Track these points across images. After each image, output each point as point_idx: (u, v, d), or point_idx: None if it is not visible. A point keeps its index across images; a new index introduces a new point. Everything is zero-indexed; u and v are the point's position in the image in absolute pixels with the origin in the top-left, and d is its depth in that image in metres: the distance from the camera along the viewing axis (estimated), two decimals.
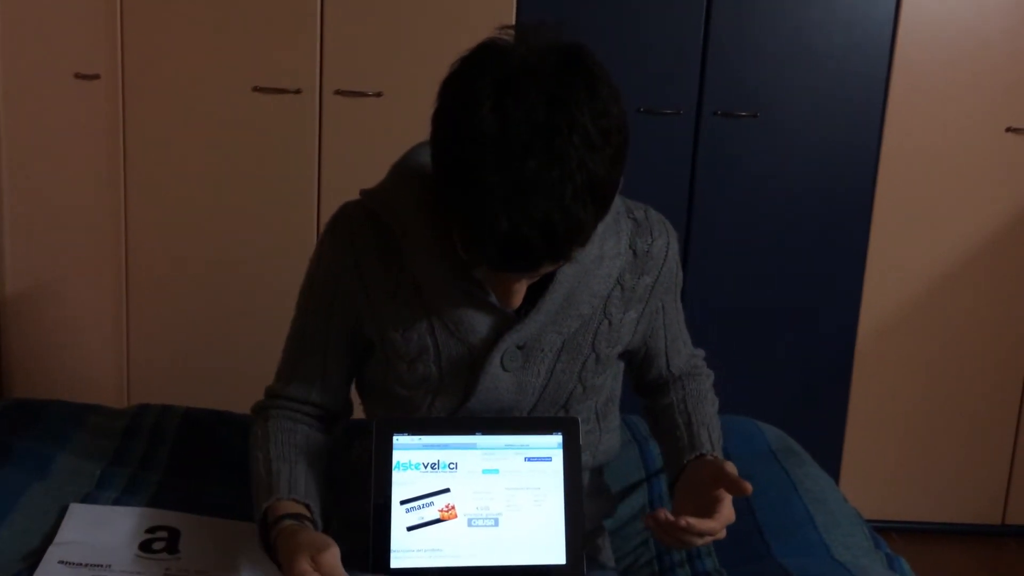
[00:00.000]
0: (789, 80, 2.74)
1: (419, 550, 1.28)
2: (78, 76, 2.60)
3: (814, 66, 2.73)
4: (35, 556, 1.44)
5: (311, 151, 2.72)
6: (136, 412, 1.90)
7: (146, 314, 2.82)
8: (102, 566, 1.43)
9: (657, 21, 2.71)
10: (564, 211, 1.10)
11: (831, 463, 2.87)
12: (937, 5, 2.71)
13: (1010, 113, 2.78)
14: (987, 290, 2.88)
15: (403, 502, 1.29)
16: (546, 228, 1.11)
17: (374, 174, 1.41)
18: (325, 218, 2.42)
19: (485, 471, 1.32)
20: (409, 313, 1.34)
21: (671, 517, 1.25)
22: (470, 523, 1.30)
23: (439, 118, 1.16)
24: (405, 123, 2.48)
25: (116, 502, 1.59)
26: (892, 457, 2.97)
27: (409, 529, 1.29)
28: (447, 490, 1.30)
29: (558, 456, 1.33)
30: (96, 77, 2.64)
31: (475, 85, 1.12)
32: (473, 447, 1.32)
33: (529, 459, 1.33)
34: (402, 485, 1.30)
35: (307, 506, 1.32)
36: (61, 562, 1.43)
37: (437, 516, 1.29)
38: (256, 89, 2.68)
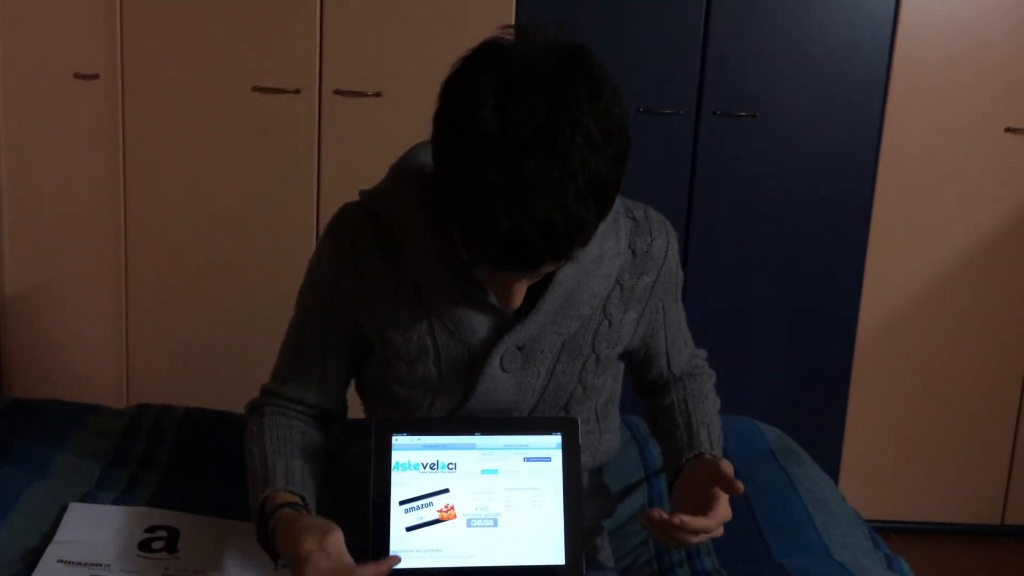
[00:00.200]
0: (789, 80, 2.74)
1: (418, 550, 1.28)
2: (77, 76, 2.60)
3: (814, 66, 2.73)
4: (34, 555, 1.44)
5: (310, 151, 2.72)
6: (135, 412, 1.90)
7: (146, 314, 2.82)
8: (101, 565, 1.43)
9: (657, 21, 2.71)
10: (565, 211, 1.10)
11: (831, 463, 2.87)
12: (937, 5, 2.71)
13: (1010, 113, 2.78)
14: (987, 290, 2.88)
15: (402, 502, 1.29)
16: (547, 228, 1.11)
17: (373, 174, 1.41)
18: (324, 218, 2.42)
19: (484, 471, 1.31)
20: (409, 314, 1.34)
21: (665, 515, 1.26)
22: (469, 523, 1.30)
23: (440, 118, 1.16)
24: (404, 123, 2.49)
25: (115, 502, 1.59)
26: (891, 457, 2.97)
27: (408, 529, 1.29)
28: (446, 490, 1.30)
29: (557, 456, 1.33)
30: (95, 77, 2.64)
31: (477, 85, 1.12)
32: (472, 447, 1.32)
33: (528, 459, 1.33)
34: (401, 485, 1.30)
35: (303, 498, 1.32)
36: (60, 561, 1.43)
37: (436, 516, 1.29)
38: (255, 89, 2.68)
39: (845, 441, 2.94)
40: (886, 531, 2.75)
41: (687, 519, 1.25)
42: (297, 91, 2.69)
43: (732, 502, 1.30)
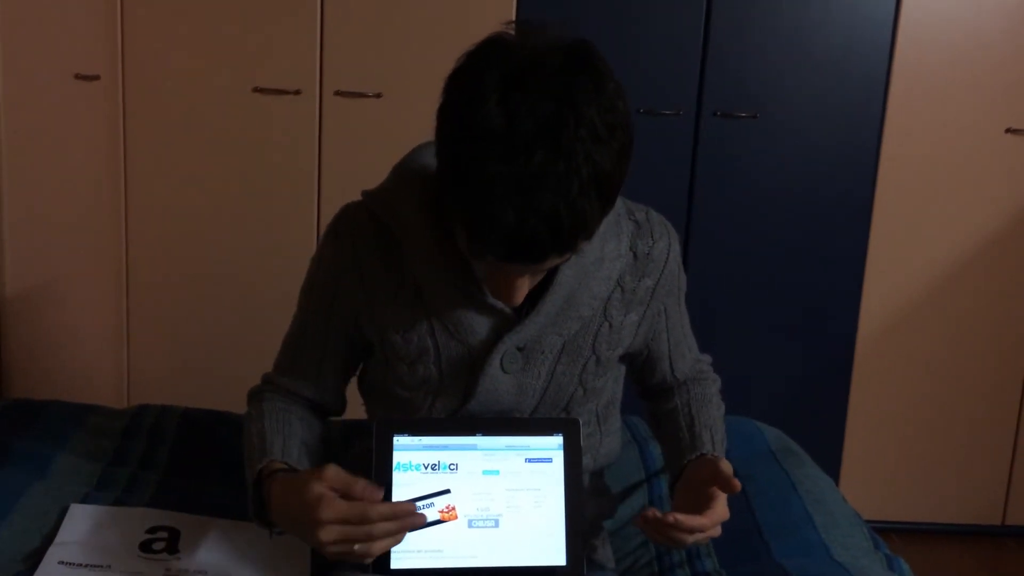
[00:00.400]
0: (789, 81, 2.74)
1: (419, 551, 1.28)
2: (78, 77, 2.60)
3: (814, 67, 2.73)
4: (35, 556, 1.44)
5: (311, 152, 2.72)
6: (136, 412, 1.90)
7: (146, 314, 2.82)
8: (102, 566, 1.43)
9: (657, 21, 2.71)
10: (570, 204, 1.10)
11: (831, 463, 2.87)
12: (937, 5, 2.71)
13: (1010, 114, 2.78)
14: (987, 291, 2.88)
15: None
16: (552, 220, 1.10)
17: (374, 175, 1.41)
18: (325, 219, 2.42)
19: (485, 472, 1.31)
20: (409, 314, 1.34)
21: (659, 514, 1.25)
22: (470, 524, 1.30)
23: (445, 112, 1.16)
24: (405, 124, 2.49)
25: (116, 502, 1.59)
26: (892, 457, 2.97)
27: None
28: (447, 491, 1.30)
29: (558, 457, 1.33)
30: (96, 78, 2.64)
31: (482, 80, 1.11)
32: (473, 448, 1.32)
33: (529, 460, 1.33)
34: (402, 486, 1.29)
35: (299, 471, 1.32)
36: (61, 562, 1.43)
37: (437, 517, 1.29)
38: (256, 90, 2.68)
39: (845, 441, 2.94)
40: (886, 532, 2.75)
41: (681, 517, 1.25)
42: (298, 92, 2.69)
43: (732, 503, 1.30)
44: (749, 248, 2.83)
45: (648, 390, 1.54)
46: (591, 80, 1.12)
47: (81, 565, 1.42)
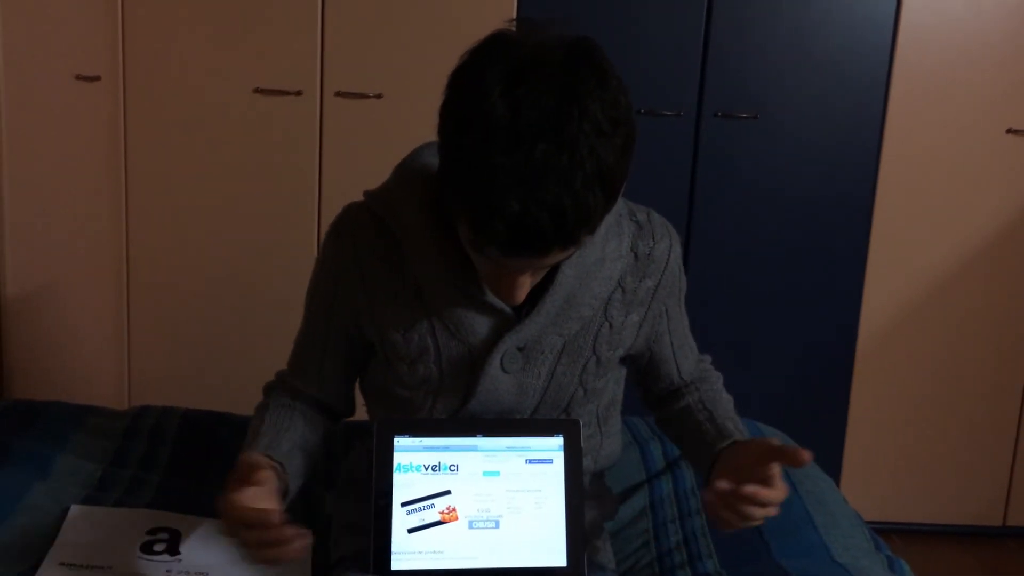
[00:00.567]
0: (789, 81, 2.74)
1: (420, 552, 1.28)
2: (79, 78, 2.60)
3: (814, 67, 2.73)
4: (36, 557, 1.44)
5: (312, 153, 2.72)
6: (136, 413, 1.90)
7: (147, 315, 2.82)
8: (103, 568, 1.43)
9: (657, 22, 2.71)
10: (574, 196, 1.10)
11: (831, 464, 2.87)
12: (937, 6, 2.71)
13: (1010, 115, 2.78)
14: (987, 291, 2.88)
15: (404, 504, 1.29)
16: (556, 212, 1.10)
17: (375, 175, 1.41)
18: (326, 220, 2.42)
19: (486, 473, 1.32)
20: (410, 314, 1.34)
21: (728, 486, 1.21)
22: (471, 525, 1.30)
23: (448, 108, 1.16)
24: (406, 124, 2.49)
25: (116, 503, 1.59)
26: (893, 458, 2.97)
27: (410, 531, 1.29)
28: (448, 492, 1.30)
29: (559, 458, 1.33)
30: (97, 79, 2.64)
31: (485, 74, 1.11)
32: (474, 449, 1.32)
33: (530, 461, 1.33)
34: (403, 487, 1.30)
35: (281, 465, 1.33)
36: (62, 564, 1.43)
37: (438, 518, 1.29)
38: (257, 91, 2.68)
39: (846, 442, 2.94)
40: (887, 532, 2.75)
41: (759, 489, 1.20)
42: (299, 93, 2.69)
43: None
44: (750, 248, 2.83)
45: (655, 396, 1.53)
46: (594, 75, 1.13)
47: (82, 566, 1.42)
